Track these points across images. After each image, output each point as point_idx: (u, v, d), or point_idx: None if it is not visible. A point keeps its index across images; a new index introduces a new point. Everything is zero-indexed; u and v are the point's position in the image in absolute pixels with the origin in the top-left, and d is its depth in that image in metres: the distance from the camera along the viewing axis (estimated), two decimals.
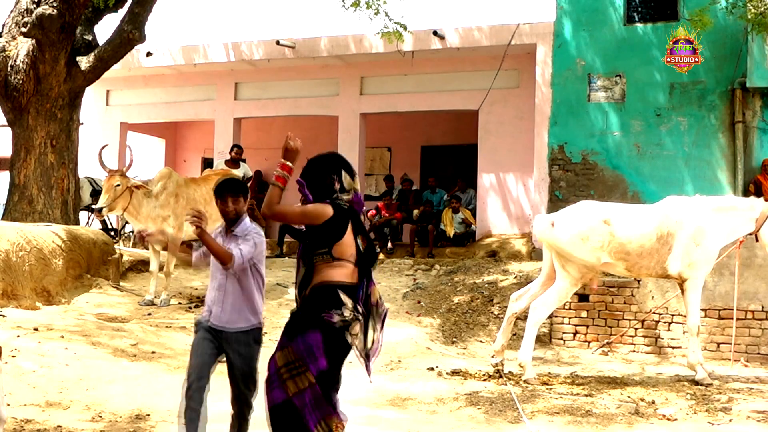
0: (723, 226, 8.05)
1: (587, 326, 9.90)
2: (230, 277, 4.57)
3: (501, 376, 7.87)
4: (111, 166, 11.28)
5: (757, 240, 8.20)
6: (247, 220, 4.73)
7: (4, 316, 8.08)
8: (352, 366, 4.32)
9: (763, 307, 9.31)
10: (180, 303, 10.36)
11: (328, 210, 4.13)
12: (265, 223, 14.08)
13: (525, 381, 7.72)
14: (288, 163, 4.18)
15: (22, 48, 11.59)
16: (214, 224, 5.68)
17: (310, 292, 4.11)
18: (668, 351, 9.53)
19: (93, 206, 11.14)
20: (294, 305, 4.35)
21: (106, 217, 13.86)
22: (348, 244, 4.15)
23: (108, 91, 17.28)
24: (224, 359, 4.64)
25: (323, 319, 3.99)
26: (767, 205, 8.07)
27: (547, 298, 8.13)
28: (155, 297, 10.05)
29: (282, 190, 4.14)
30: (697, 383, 7.70)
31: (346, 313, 4.01)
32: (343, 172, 4.27)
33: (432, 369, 8.08)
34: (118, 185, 9.89)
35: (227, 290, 4.58)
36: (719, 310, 9.41)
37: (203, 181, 10.91)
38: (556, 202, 12.81)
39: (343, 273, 4.09)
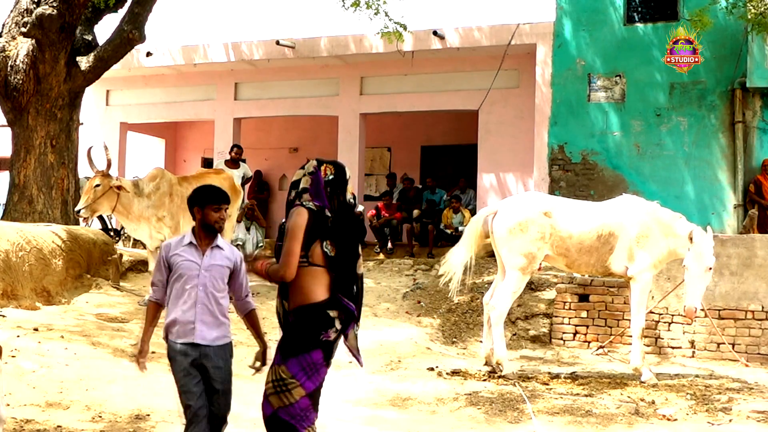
0: (662, 239, 7.95)
1: (587, 326, 9.90)
2: (209, 292, 4.34)
3: (501, 376, 7.88)
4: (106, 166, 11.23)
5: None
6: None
7: (4, 316, 8.07)
8: (352, 366, 4.33)
9: (763, 307, 9.30)
10: None
11: (304, 217, 4.03)
12: (266, 224, 14.09)
13: (503, 377, 7.76)
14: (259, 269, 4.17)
15: (22, 48, 11.57)
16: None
17: (298, 313, 4.07)
18: (668, 351, 9.53)
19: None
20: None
21: (105, 217, 13.85)
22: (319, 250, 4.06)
23: (108, 91, 17.27)
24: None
25: (322, 339, 4.02)
26: (696, 240, 7.70)
27: (502, 294, 8.13)
28: None
29: (272, 263, 4.09)
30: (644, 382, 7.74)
31: (338, 325, 4.05)
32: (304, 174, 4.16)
33: (432, 369, 8.07)
34: (98, 186, 9.67)
35: (206, 306, 4.33)
36: (719, 310, 9.40)
37: (195, 180, 10.83)
38: None
39: (320, 288, 4.04)
